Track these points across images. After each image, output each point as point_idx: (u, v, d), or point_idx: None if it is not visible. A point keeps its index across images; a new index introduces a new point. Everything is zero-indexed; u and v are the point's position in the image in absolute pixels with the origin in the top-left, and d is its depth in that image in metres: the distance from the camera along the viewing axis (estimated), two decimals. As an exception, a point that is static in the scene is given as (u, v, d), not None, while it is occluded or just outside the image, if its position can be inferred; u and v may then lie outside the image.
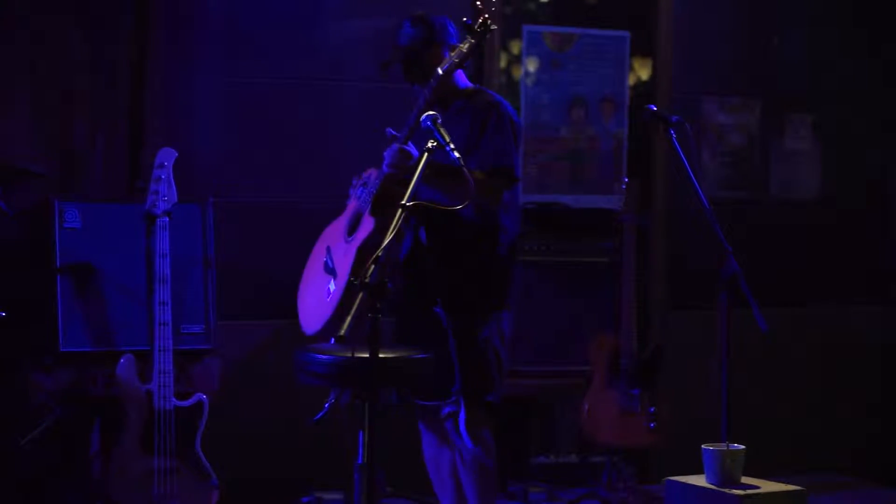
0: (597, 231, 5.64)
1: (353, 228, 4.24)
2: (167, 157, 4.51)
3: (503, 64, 5.70)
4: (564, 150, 5.81)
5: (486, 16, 4.02)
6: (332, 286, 4.20)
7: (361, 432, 3.81)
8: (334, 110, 5.36)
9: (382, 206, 4.05)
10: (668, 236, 5.88)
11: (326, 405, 4.02)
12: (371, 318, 3.15)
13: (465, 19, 4.05)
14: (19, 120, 4.92)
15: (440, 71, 4.07)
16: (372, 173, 4.23)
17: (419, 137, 3.82)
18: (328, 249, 4.34)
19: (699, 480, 3.70)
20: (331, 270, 4.25)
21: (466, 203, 3.62)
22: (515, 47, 5.74)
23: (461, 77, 4.28)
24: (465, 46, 4.03)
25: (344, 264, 4.15)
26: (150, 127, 5.06)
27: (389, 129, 4.15)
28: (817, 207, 6.17)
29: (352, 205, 4.32)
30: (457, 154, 3.58)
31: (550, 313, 5.50)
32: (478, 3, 4.11)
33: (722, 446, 3.69)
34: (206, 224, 4.76)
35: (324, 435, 4.31)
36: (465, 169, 3.61)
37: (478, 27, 4.01)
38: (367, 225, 4.11)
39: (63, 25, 4.96)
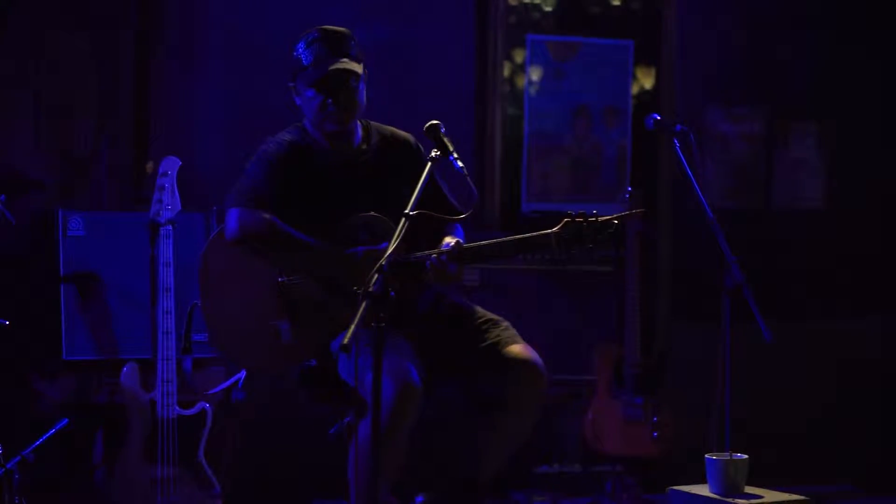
0: (600, 240, 5.64)
1: None
2: (171, 165, 4.51)
3: (507, 73, 5.70)
4: (568, 158, 5.81)
5: None
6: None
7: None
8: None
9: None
10: (672, 245, 5.87)
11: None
12: (375, 328, 3.12)
13: None
14: (23, 128, 4.93)
15: None
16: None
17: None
18: None
19: (702, 490, 3.70)
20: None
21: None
22: (519, 56, 5.74)
23: None
24: None
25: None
26: (154, 135, 5.07)
27: None
28: (821, 217, 6.16)
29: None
30: (460, 164, 3.48)
31: (554, 322, 5.49)
32: None
33: (725, 456, 3.68)
34: (209, 233, 4.76)
35: (328, 443, 4.30)
36: (468, 178, 3.52)
37: None
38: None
39: (65, 33, 4.97)
